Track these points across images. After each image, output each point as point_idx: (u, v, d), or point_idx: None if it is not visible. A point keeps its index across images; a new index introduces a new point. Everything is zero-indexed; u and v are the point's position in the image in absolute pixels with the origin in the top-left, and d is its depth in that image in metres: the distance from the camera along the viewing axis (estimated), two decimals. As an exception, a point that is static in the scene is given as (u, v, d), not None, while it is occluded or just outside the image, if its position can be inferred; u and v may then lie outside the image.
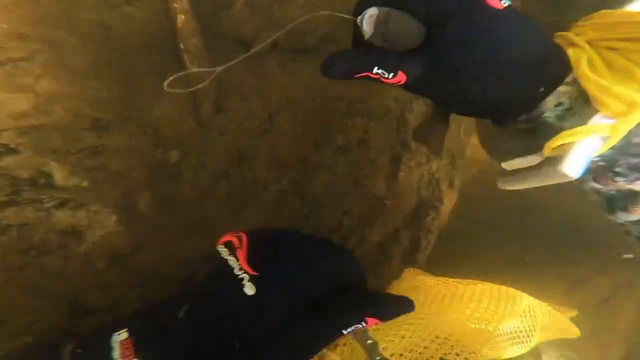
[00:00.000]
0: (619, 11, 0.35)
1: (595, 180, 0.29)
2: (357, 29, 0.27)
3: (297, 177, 0.67)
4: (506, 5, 0.24)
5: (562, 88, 0.27)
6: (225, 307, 0.24)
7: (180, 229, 0.61)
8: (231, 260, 0.25)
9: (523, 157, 0.29)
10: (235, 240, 0.27)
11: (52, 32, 0.54)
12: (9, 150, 0.48)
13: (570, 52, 0.29)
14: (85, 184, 0.54)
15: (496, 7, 0.24)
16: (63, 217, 0.54)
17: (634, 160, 0.28)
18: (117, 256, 0.57)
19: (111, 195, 0.56)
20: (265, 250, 0.27)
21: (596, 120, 0.26)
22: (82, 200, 0.54)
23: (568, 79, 0.27)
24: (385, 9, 0.24)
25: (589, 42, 0.29)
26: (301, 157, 0.64)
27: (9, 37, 0.50)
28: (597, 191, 0.32)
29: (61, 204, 0.53)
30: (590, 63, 0.27)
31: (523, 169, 0.29)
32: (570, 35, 0.33)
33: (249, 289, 0.23)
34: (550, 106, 0.27)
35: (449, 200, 0.71)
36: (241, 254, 0.26)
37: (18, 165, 0.48)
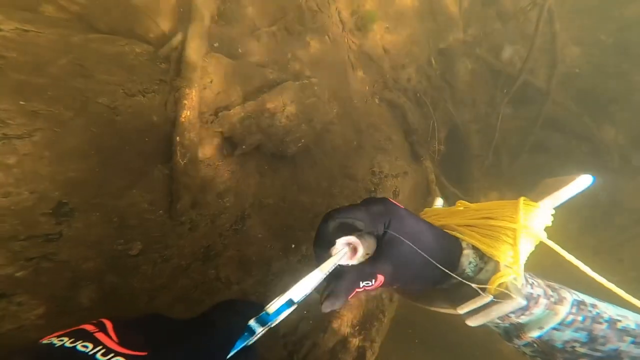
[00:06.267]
0: (439, 209, 0.49)
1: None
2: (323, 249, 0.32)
3: (263, 280, 0.68)
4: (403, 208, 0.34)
5: (465, 252, 0.37)
6: None
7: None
8: (85, 346, 0.21)
9: (471, 300, 0.35)
10: (90, 327, 0.23)
11: (63, 112, 0.52)
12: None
13: (451, 233, 0.40)
14: (20, 273, 0.47)
15: (400, 207, 0.34)
16: (-31, 308, 0.45)
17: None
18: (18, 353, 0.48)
19: (49, 286, 0.49)
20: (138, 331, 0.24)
21: (503, 267, 0.36)
22: (9, 291, 0.47)
23: (465, 245, 0.38)
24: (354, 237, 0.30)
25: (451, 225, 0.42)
26: (267, 260, 0.66)
27: (20, 114, 0.47)
28: (496, 325, 0.44)
29: (-23, 294, 0.45)
30: (471, 237, 0.38)
31: (480, 307, 0.36)
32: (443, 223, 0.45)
33: None
34: (465, 265, 0.37)
35: (389, 312, 0.79)
36: (105, 337, 0.22)
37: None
